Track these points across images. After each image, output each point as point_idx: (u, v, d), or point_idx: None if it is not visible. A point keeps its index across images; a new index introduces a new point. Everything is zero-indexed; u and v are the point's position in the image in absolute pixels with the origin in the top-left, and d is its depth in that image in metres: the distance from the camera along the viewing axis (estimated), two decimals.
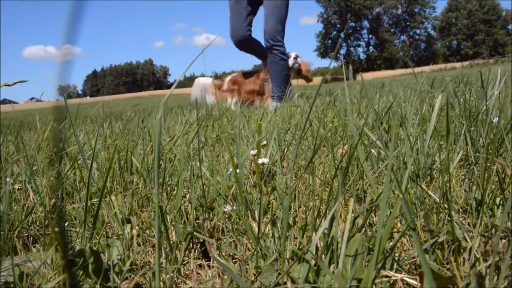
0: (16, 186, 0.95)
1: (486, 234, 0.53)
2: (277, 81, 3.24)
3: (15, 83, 0.74)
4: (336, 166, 0.89)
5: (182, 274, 0.56)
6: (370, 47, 55.82)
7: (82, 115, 3.74)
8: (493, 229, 0.54)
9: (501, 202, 0.61)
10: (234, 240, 0.63)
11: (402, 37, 56.25)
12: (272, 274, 0.47)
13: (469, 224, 0.62)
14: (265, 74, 3.42)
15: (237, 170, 0.74)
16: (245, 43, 3.16)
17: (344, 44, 51.05)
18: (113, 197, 0.75)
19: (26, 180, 0.93)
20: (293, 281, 0.45)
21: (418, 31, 55.73)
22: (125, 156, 1.03)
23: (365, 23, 54.33)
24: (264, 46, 3.20)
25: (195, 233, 0.60)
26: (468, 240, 0.51)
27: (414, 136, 0.93)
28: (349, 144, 0.99)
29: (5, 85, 0.73)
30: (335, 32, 51.40)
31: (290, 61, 3.44)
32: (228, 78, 3.62)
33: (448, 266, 0.49)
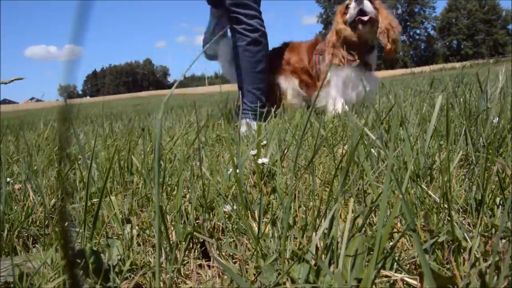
0: (16, 186, 0.94)
1: (486, 234, 0.53)
2: (247, 82, 2.01)
3: (12, 81, 0.74)
4: (336, 166, 0.89)
5: (182, 274, 0.55)
6: None
7: (82, 115, 3.74)
8: (493, 229, 0.54)
9: (501, 202, 0.61)
10: (234, 240, 0.63)
11: (402, 37, 56.29)
12: (272, 274, 0.47)
13: (469, 224, 0.62)
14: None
15: (237, 170, 0.74)
16: None
17: None
18: (113, 197, 0.75)
19: (26, 180, 0.93)
20: (293, 281, 0.45)
21: (418, 31, 55.74)
22: (126, 156, 1.03)
23: None
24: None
25: (195, 233, 0.60)
26: (468, 240, 0.50)
27: (414, 136, 0.93)
28: (349, 144, 0.99)
29: (2, 83, 0.73)
30: None
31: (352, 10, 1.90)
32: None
33: (448, 266, 0.49)
